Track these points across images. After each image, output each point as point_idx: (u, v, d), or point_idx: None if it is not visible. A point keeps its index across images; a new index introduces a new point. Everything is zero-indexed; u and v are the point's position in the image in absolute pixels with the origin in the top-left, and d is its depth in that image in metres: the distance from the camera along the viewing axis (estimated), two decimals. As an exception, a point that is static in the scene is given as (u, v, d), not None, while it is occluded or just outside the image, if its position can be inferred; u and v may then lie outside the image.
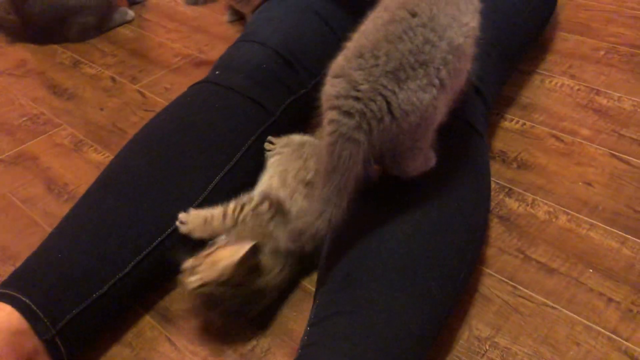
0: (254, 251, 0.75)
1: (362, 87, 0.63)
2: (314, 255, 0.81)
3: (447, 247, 0.72)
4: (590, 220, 0.90)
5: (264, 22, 1.07)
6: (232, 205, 0.81)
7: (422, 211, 0.73)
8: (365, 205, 0.75)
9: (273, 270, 0.78)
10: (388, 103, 0.63)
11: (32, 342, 0.69)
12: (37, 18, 1.49)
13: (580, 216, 0.91)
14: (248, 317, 0.78)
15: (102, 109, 1.26)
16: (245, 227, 0.79)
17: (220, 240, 0.79)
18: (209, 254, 0.75)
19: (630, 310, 0.77)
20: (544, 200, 0.94)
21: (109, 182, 0.85)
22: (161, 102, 1.26)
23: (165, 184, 0.84)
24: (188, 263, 0.75)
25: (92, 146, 1.15)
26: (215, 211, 0.81)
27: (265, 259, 0.77)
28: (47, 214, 1.00)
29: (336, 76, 0.66)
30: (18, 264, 0.77)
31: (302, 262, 0.83)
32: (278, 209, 0.81)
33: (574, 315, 0.77)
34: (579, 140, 1.06)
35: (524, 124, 1.11)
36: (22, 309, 0.70)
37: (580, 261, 0.84)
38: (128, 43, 1.52)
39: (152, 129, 0.91)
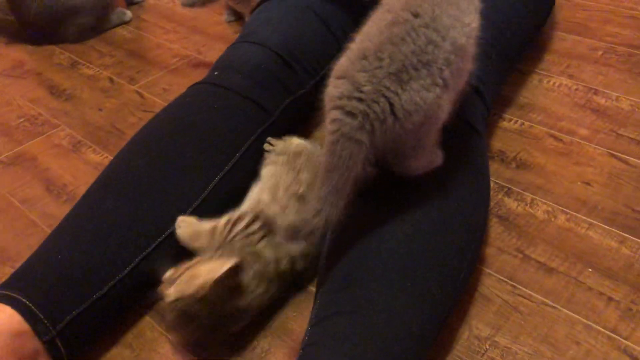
0: (235, 271, 0.72)
1: (365, 89, 0.64)
2: (302, 279, 0.81)
3: (447, 247, 0.72)
4: (589, 220, 0.91)
5: (263, 22, 1.07)
6: (222, 221, 0.78)
7: (422, 211, 0.73)
8: (365, 205, 0.75)
9: (255, 292, 0.75)
10: (391, 104, 0.64)
11: (33, 343, 0.69)
12: (34, 19, 1.49)
13: (579, 216, 0.91)
14: (222, 337, 0.75)
15: (100, 110, 1.26)
16: (233, 245, 0.77)
17: (206, 253, 0.77)
18: (189, 267, 0.73)
19: (630, 310, 0.78)
20: (543, 200, 0.94)
21: (108, 182, 0.85)
22: (159, 102, 1.26)
23: (165, 184, 0.84)
24: (168, 274, 0.74)
25: (90, 147, 1.15)
26: (206, 226, 0.79)
27: (248, 279, 0.74)
28: (46, 214, 1.00)
29: (339, 77, 0.66)
30: (17, 265, 0.77)
31: (287, 286, 0.80)
32: (269, 229, 0.79)
33: (574, 315, 0.77)
34: (577, 140, 1.06)
35: (523, 123, 1.11)
36: (22, 310, 0.69)
37: (580, 260, 0.85)
38: (126, 44, 1.52)
39: (152, 130, 0.91)
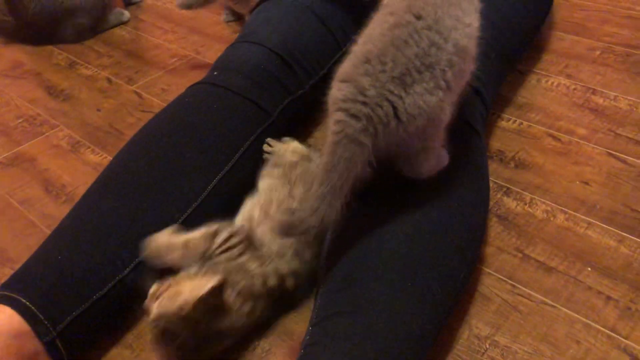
0: (219, 289, 0.69)
1: (369, 93, 0.64)
2: (292, 298, 0.79)
3: (447, 247, 0.72)
4: (588, 219, 0.91)
5: (262, 22, 1.07)
6: (197, 235, 0.76)
7: (422, 211, 0.73)
8: (365, 205, 0.75)
9: (240, 310, 0.73)
10: (394, 108, 0.64)
11: (33, 344, 0.69)
12: (32, 19, 1.49)
13: (578, 215, 0.92)
14: (207, 356, 0.73)
15: (98, 110, 1.26)
16: (213, 259, 0.74)
17: (191, 268, 0.74)
18: (172, 284, 0.71)
19: (629, 308, 0.78)
20: (542, 200, 0.95)
21: (108, 182, 0.85)
22: (158, 103, 1.26)
23: (165, 184, 0.84)
24: (152, 289, 0.71)
25: (89, 147, 1.15)
26: (180, 239, 0.76)
27: (233, 298, 0.72)
28: (45, 215, 1.00)
29: (343, 81, 0.66)
30: (16, 266, 0.77)
31: (274, 305, 0.77)
32: (249, 244, 0.77)
33: (573, 314, 0.78)
34: (575, 139, 1.07)
35: (521, 123, 1.11)
36: (23, 311, 0.69)
37: (579, 260, 0.85)
38: (124, 44, 1.52)
39: (151, 130, 0.91)
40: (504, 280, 0.83)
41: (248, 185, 0.91)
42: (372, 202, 0.75)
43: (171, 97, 0.98)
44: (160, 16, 1.65)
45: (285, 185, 0.84)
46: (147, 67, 1.40)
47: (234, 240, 0.76)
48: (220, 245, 0.75)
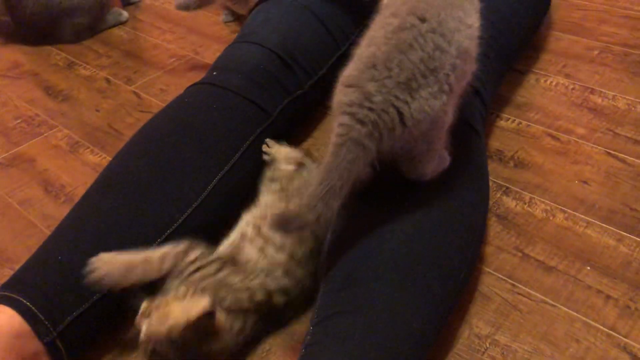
0: (209, 315, 0.67)
1: (375, 99, 0.64)
2: (282, 316, 0.78)
3: (447, 247, 0.72)
4: (587, 218, 0.91)
5: (261, 22, 1.07)
6: (157, 254, 0.73)
7: (422, 211, 0.73)
8: (366, 205, 0.75)
9: (231, 330, 0.71)
10: (400, 114, 0.64)
11: (33, 344, 0.69)
12: (30, 19, 1.48)
13: (577, 214, 0.92)
14: None
15: (97, 110, 1.25)
16: (191, 279, 0.72)
17: (180, 288, 0.72)
18: (160, 305, 0.69)
19: (628, 307, 0.78)
20: (541, 199, 0.95)
21: (108, 183, 0.84)
22: (157, 103, 1.26)
23: (165, 185, 0.84)
24: (143, 306, 0.70)
25: (88, 147, 1.15)
26: (137, 256, 0.73)
27: (223, 317, 0.70)
28: (45, 215, 0.99)
29: (349, 86, 0.66)
30: (16, 267, 0.77)
31: (264, 322, 0.76)
32: (226, 261, 0.75)
33: (573, 312, 0.78)
34: (574, 139, 1.07)
35: (520, 122, 1.12)
36: (23, 312, 0.69)
37: (578, 259, 0.85)
38: (122, 44, 1.52)
39: (151, 130, 0.91)
40: (504, 280, 0.83)
41: (248, 185, 0.91)
42: (372, 202, 0.75)
43: (170, 97, 0.98)
44: (158, 16, 1.65)
45: (283, 199, 0.84)
46: (146, 67, 1.40)
47: (205, 260, 0.74)
48: (193, 261, 0.74)
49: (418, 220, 0.72)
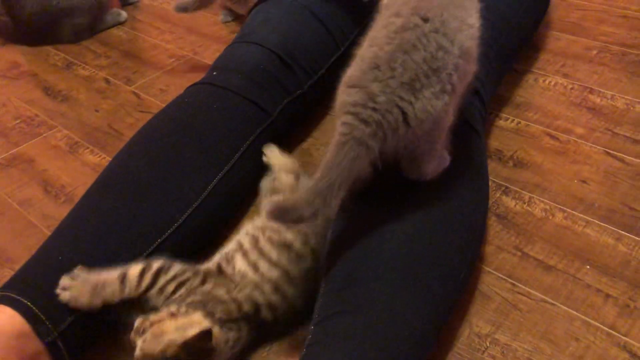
0: (205, 335, 0.66)
1: (379, 99, 0.64)
2: (271, 330, 0.77)
3: (448, 246, 0.72)
4: (586, 218, 0.91)
5: (261, 22, 1.07)
6: (133, 272, 0.73)
7: (422, 211, 0.73)
8: (366, 205, 0.75)
9: (227, 343, 0.71)
10: (404, 114, 0.64)
11: (34, 344, 0.69)
12: (29, 20, 1.48)
13: (576, 213, 0.92)
14: None
15: (97, 111, 1.26)
16: (173, 298, 0.72)
17: (171, 306, 0.71)
18: (154, 322, 0.68)
19: (628, 306, 0.78)
20: (540, 198, 0.95)
21: (108, 183, 0.85)
22: (156, 103, 1.26)
23: (165, 185, 0.84)
24: (137, 322, 0.69)
25: (87, 148, 1.15)
26: (112, 274, 0.72)
27: (217, 331, 0.69)
28: (45, 216, 0.99)
29: (352, 86, 0.66)
30: (16, 267, 0.77)
31: (258, 329, 0.75)
32: (207, 275, 0.75)
33: (573, 311, 0.78)
34: (573, 138, 1.07)
35: (519, 122, 1.12)
36: (24, 312, 0.69)
37: (577, 258, 0.85)
38: (121, 44, 1.52)
39: (151, 130, 0.91)
40: (504, 279, 0.83)
41: (248, 186, 0.91)
42: (372, 202, 0.76)
43: (169, 97, 0.98)
44: (157, 16, 1.65)
45: None
46: (145, 68, 1.40)
47: (184, 276, 0.74)
48: (173, 278, 0.73)
49: (418, 220, 0.72)
